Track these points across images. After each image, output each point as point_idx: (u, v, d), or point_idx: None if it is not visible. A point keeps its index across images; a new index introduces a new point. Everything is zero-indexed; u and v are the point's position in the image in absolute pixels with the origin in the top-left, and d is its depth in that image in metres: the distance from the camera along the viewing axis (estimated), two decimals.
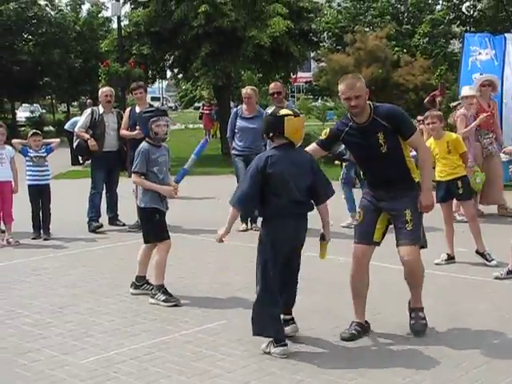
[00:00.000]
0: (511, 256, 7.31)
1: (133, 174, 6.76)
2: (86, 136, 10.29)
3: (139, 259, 6.92)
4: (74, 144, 10.60)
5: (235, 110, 10.52)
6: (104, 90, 10.67)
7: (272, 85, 10.27)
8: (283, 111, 5.29)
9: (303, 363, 5.02)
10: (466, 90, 11.27)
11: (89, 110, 10.68)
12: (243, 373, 4.89)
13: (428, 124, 7.90)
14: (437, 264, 7.66)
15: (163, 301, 6.51)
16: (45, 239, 9.74)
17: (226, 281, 7.45)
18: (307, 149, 5.73)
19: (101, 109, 10.48)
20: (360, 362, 5.03)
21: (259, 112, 10.19)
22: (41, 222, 9.93)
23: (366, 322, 5.64)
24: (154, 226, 6.66)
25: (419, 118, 14.88)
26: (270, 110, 5.44)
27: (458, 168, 7.89)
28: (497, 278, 7.22)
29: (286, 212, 5.20)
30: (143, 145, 6.72)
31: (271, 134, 5.31)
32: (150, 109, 7.01)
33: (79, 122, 10.77)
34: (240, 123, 10.11)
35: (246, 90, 10.19)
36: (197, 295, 6.83)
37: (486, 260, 7.74)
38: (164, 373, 4.89)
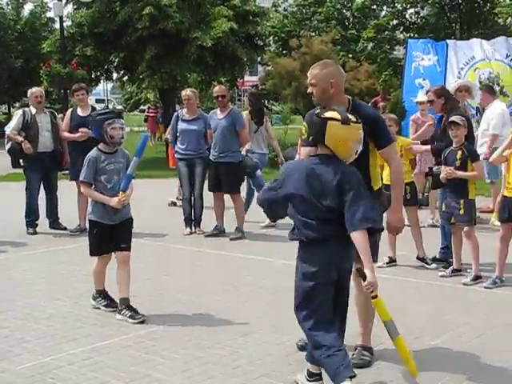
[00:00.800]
0: (455, 256, 7.45)
1: (81, 184, 6.40)
2: (20, 138, 9.93)
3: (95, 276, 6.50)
4: (7, 147, 10.08)
5: (176, 113, 10.44)
6: (33, 91, 10.29)
7: (216, 88, 10.23)
8: (329, 113, 4.38)
9: (245, 367, 5.00)
10: (419, 96, 11.32)
11: (20, 111, 10.27)
12: (184, 377, 4.84)
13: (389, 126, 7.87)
14: (379, 267, 7.70)
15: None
16: None
17: (168, 284, 7.37)
18: (301, 155, 5.23)
19: (33, 109, 10.13)
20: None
21: (200, 114, 10.14)
22: None
23: None
24: (93, 239, 6.32)
25: None
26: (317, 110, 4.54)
27: (407, 173, 7.93)
28: (442, 276, 7.41)
29: (314, 232, 4.32)
30: (92, 152, 6.25)
31: (311, 138, 4.50)
32: (104, 110, 6.60)
33: (10, 123, 10.39)
34: (181, 126, 10.04)
35: (186, 92, 10.11)
36: (138, 299, 6.73)
37: (426, 264, 7.85)
38: (102, 378, 4.81)
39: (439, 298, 6.78)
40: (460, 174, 7.21)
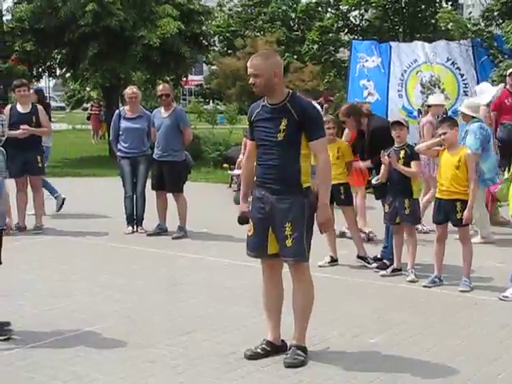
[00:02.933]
0: (396, 256, 7.54)
1: None
2: None
3: None
4: None
5: (117, 111, 10.28)
6: None
7: (160, 87, 10.12)
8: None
9: (184, 365, 4.96)
10: (434, 98, 11.14)
11: None
12: (122, 376, 4.78)
13: (329, 129, 7.68)
14: (320, 266, 7.75)
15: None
16: None
17: (108, 284, 7.26)
18: (247, 153, 5.30)
19: None
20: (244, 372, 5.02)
21: (143, 112, 10.05)
22: None
23: (283, 340, 5.21)
24: None
25: None
26: None
27: (342, 174, 7.99)
28: (383, 275, 7.48)
29: None
30: None
31: None
32: None
33: None
34: (124, 124, 9.91)
35: (132, 90, 9.97)
36: (75, 298, 6.63)
37: (368, 263, 7.90)
38: (39, 378, 4.72)
39: (379, 297, 6.84)
40: (402, 167, 7.31)
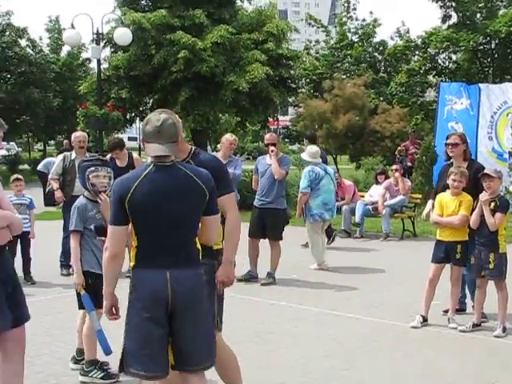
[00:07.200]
0: (476, 310, 7.37)
1: (71, 234, 5.88)
2: (55, 186, 10.15)
3: (77, 328, 6.06)
4: (47, 189, 10.46)
5: None
6: (77, 135, 10.38)
7: (267, 136, 10.18)
8: None
9: None
10: None
11: (61, 156, 10.44)
12: None
13: (454, 181, 7.42)
14: (413, 327, 7.46)
15: (102, 378, 5.83)
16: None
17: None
18: None
19: (73, 154, 10.23)
20: None
21: (231, 157, 10.08)
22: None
23: None
24: (86, 290, 5.76)
25: (395, 167, 15.03)
26: None
27: (460, 231, 7.47)
28: (462, 331, 7.26)
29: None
30: (79, 200, 5.94)
31: None
32: (90, 158, 6.38)
33: (53, 168, 10.44)
34: None
35: (234, 137, 10.07)
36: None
37: (449, 322, 7.57)
38: None
39: (471, 351, 6.70)
40: (488, 210, 7.06)
